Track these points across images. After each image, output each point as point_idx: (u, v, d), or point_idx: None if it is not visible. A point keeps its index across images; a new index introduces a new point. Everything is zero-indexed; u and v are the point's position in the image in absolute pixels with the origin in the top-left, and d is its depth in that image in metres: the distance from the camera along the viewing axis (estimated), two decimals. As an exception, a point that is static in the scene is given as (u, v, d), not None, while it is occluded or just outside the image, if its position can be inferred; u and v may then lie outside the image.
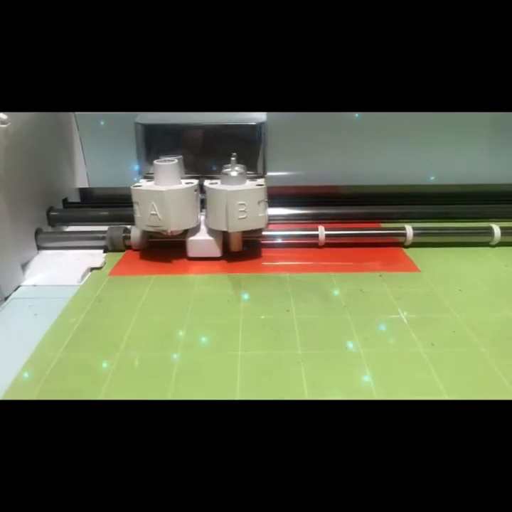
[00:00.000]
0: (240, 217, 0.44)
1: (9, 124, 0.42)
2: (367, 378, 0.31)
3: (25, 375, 0.32)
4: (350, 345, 0.35)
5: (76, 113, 0.56)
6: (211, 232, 0.47)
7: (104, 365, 0.33)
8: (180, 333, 0.36)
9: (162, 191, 0.43)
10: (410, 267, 0.47)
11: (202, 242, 0.47)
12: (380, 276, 0.45)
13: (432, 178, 0.60)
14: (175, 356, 0.33)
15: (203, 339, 0.35)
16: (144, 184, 0.46)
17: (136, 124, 0.47)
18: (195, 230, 0.48)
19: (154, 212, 0.44)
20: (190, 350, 0.34)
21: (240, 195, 0.43)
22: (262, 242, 0.50)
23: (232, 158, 0.44)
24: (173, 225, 0.44)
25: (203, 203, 0.47)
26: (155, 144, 0.48)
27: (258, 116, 0.48)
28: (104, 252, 0.50)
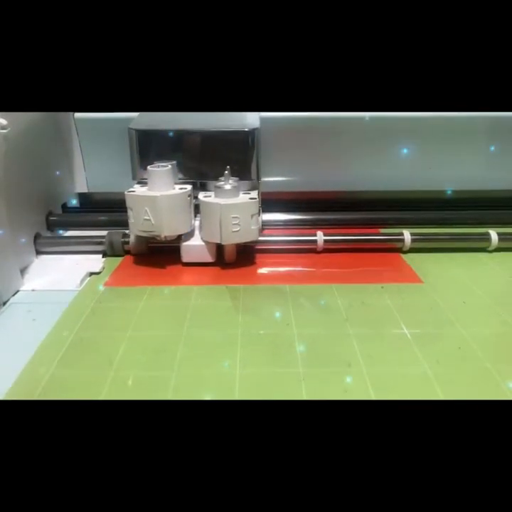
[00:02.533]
0: (234, 230, 0.44)
1: (9, 129, 0.42)
2: (370, 398, 0.30)
3: (15, 394, 0.31)
4: (352, 362, 0.34)
5: (76, 118, 0.56)
6: (205, 237, 0.48)
7: (97, 383, 0.32)
8: (177, 348, 0.35)
9: (155, 196, 0.43)
10: (412, 276, 0.46)
11: (196, 247, 0.48)
12: (382, 287, 0.44)
13: (430, 184, 0.60)
14: (171, 374, 0.33)
15: (200, 356, 0.35)
16: (138, 189, 0.46)
17: (130, 129, 0.47)
18: (190, 235, 0.48)
19: (147, 218, 0.44)
20: (186, 368, 0.33)
21: (233, 209, 0.43)
22: (260, 247, 0.51)
23: (226, 172, 0.45)
24: (167, 230, 0.45)
25: (197, 209, 0.47)
26: (149, 150, 0.48)
27: (251, 123, 0.48)
28: (103, 256, 0.50)
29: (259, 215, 0.47)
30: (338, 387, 0.31)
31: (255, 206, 0.45)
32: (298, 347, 0.35)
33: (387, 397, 0.30)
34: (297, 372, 0.33)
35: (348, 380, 0.32)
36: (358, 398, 0.30)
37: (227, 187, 0.45)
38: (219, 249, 0.48)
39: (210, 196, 0.45)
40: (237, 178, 0.46)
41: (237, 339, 0.36)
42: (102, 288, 0.44)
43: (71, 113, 0.56)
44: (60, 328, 0.38)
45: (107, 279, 0.46)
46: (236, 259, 0.49)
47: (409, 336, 0.37)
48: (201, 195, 0.46)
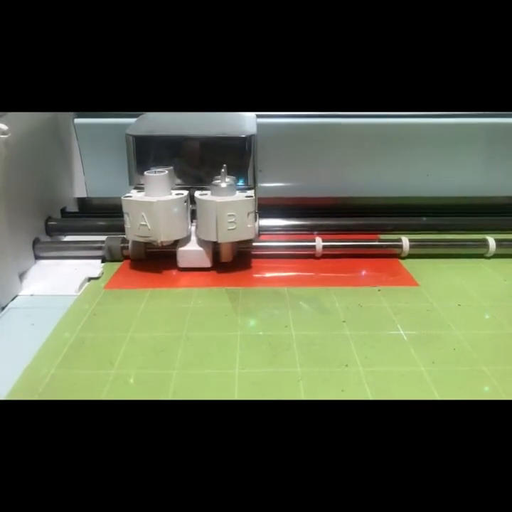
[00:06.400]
0: (230, 228, 0.44)
1: (9, 134, 0.43)
2: (366, 397, 0.31)
3: (18, 393, 0.31)
4: (349, 363, 0.34)
5: (75, 123, 0.57)
6: (201, 242, 0.48)
7: (99, 382, 0.32)
8: (177, 349, 0.36)
9: (152, 202, 0.44)
10: (408, 280, 0.46)
11: (192, 252, 0.48)
12: (379, 290, 0.44)
13: (429, 190, 0.60)
14: (171, 372, 0.33)
15: (200, 356, 0.35)
16: (135, 195, 0.46)
17: (127, 135, 0.48)
18: (186, 240, 0.48)
19: (144, 223, 0.44)
20: (187, 368, 0.33)
21: (229, 206, 0.44)
22: (259, 253, 0.51)
23: (222, 170, 0.45)
24: (163, 235, 0.45)
25: (193, 214, 0.47)
26: (146, 155, 0.48)
27: (248, 129, 0.49)
28: (102, 262, 0.50)
29: (255, 217, 0.47)
30: (335, 387, 0.32)
31: (251, 204, 0.45)
32: (296, 348, 0.36)
33: (383, 397, 0.31)
34: (295, 372, 0.33)
35: (346, 379, 0.32)
36: (355, 397, 0.31)
37: (224, 185, 0.45)
38: (215, 253, 0.48)
39: (206, 194, 0.46)
40: (233, 177, 0.46)
41: (237, 340, 0.37)
42: (102, 291, 0.44)
43: (71, 118, 0.57)
44: (61, 329, 0.38)
45: (107, 282, 0.46)
46: (235, 263, 0.49)
47: (405, 337, 0.37)
48: (197, 194, 0.46)
